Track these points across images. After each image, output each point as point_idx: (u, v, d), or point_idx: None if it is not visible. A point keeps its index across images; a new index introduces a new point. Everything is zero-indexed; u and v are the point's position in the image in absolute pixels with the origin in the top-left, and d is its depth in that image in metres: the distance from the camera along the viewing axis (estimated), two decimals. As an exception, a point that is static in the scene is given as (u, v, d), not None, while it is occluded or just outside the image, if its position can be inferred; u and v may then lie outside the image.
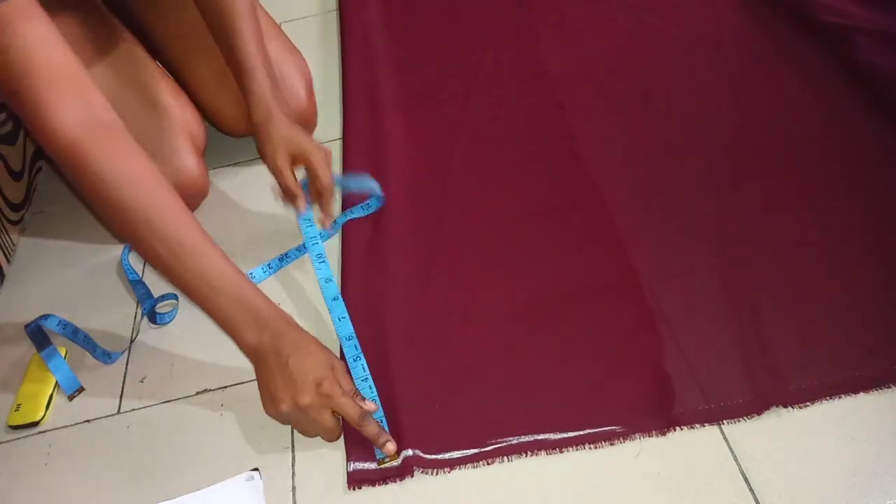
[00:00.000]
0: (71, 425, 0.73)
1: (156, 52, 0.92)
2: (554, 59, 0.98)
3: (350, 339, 0.71)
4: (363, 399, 0.63)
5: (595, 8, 1.05)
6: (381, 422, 0.64)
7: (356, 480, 0.62)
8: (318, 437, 0.65)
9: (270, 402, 0.63)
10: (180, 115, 0.86)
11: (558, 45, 1.01)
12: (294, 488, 0.64)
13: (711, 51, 0.95)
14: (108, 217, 0.63)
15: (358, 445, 0.64)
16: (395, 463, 0.62)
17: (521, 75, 0.97)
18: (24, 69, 0.59)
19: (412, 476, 0.62)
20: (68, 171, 0.62)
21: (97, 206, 0.63)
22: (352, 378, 0.65)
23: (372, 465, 0.63)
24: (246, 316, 0.63)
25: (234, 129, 0.93)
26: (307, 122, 0.94)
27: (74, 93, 0.61)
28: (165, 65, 0.93)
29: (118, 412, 0.73)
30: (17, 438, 0.73)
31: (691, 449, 0.60)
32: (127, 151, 0.63)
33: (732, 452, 0.59)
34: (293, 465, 0.65)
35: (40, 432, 0.73)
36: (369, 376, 0.68)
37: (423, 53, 1.05)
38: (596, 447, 0.61)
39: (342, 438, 0.65)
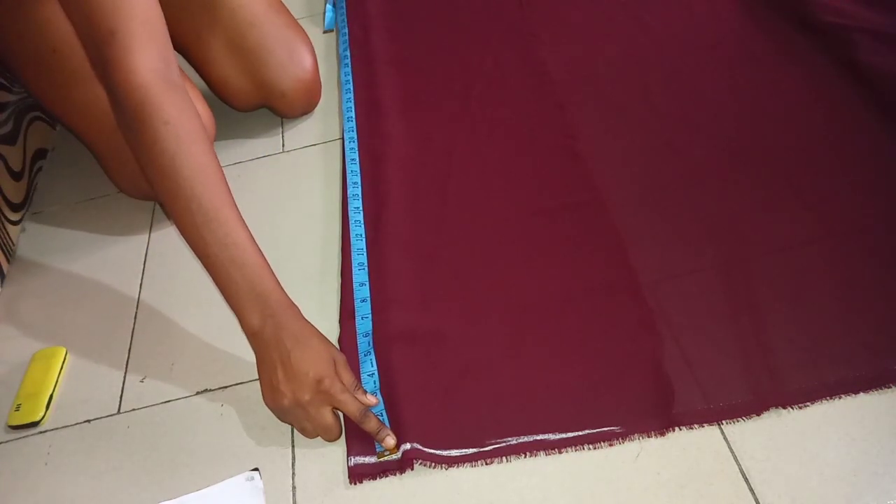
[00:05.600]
0: (71, 425, 0.73)
1: None
2: (554, 59, 0.98)
3: (366, 336, 0.72)
4: (364, 393, 0.64)
5: (595, 8, 1.05)
6: (382, 416, 0.65)
7: (357, 475, 0.62)
8: (318, 437, 0.65)
9: (271, 395, 0.63)
10: None
11: (558, 45, 1.01)
12: (294, 488, 0.64)
13: (711, 51, 0.95)
14: (155, 166, 0.63)
15: (358, 440, 0.64)
16: (395, 456, 0.63)
17: (521, 75, 0.97)
18: (130, 6, 0.63)
19: (412, 469, 0.62)
20: (132, 112, 0.63)
21: (148, 153, 0.63)
22: (352, 372, 0.65)
23: (372, 459, 0.63)
24: (255, 298, 0.63)
25: (240, 102, 0.97)
26: (313, 94, 0.99)
27: (161, 46, 0.65)
28: (172, 42, 0.94)
29: (118, 412, 0.73)
30: (17, 438, 0.73)
31: (691, 449, 0.60)
32: (191, 113, 0.65)
33: (732, 452, 0.59)
34: (293, 465, 0.65)
35: (40, 432, 0.73)
36: (376, 371, 0.69)
37: (423, 53, 1.05)
38: (595, 447, 0.61)
39: (342, 438, 0.65)
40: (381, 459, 0.63)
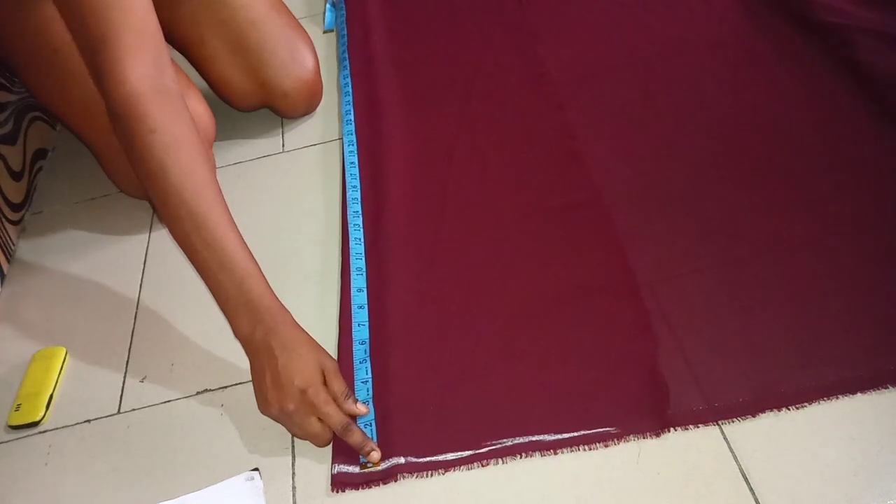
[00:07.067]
0: (71, 425, 0.73)
1: (164, 29, 0.93)
2: (554, 59, 0.98)
3: (363, 344, 0.72)
4: (355, 401, 0.64)
5: (595, 8, 1.05)
6: (371, 426, 0.65)
7: (339, 483, 0.62)
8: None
9: (261, 402, 0.63)
10: (191, 109, 0.86)
11: (558, 45, 1.01)
12: (294, 488, 0.64)
13: (711, 51, 0.95)
14: (145, 173, 0.64)
15: (343, 448, 0.64)
16: (378, 468, 0.62)
17: (521, 75, 0.97)
18: (122, 13, 0.63)
19: (396, 481, 0.62)
20: (122, 120, 0.63)
21: (139, 160, 0.63)
22: (343, 380, 0.64)
23: (356, 469, 0.63)
24: (244, 304, 0.63)
25: (242, 102, 0.97)
26: (315, 94, 1.00)
27: (154, 53, 0.65)
28: (174, 42, 0.94)
29: (118, 412, 0.73)
30: (17, 438, 0.73)
31: (691, 449, 0.60)
32: (181, 120, 0.65)
33: (732, 452, 0.59)
34: (293, 466, 0.65)
35: (40, 432, 0.73)
36: (370, 379, 0.68)
37: (423, 53, 1.05)
38: (595, 448, 0.61)
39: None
40: (364, 471, 0.62)
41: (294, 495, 0.63)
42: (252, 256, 0.65)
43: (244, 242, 0.65)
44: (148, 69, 0.64)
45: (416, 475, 0.62)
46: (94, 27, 0.63)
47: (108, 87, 0.63)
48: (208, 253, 0.63)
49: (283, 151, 0.98)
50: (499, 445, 0.62)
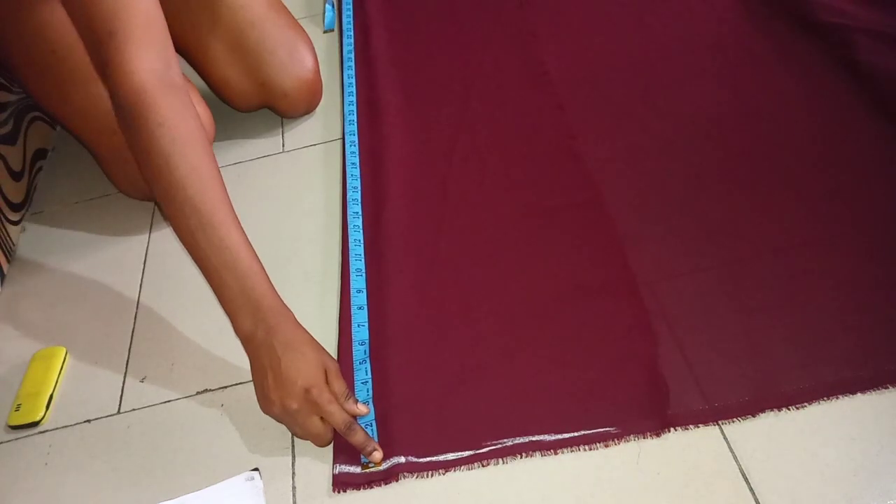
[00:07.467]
0: (71, 425, 0.73)
1: None
2: (554, 59, 0.98)
3: (363, 344, 0.72)
4: (355, 402, 0.64)
5: (595, 8, 1.05)
6: (372, 426, 0.65)
7: (341, 483, 0.62)
8: (315, 438, 0.65)
9: (263, 401, 0.63)
10: None
11: (558, 45, 1.01)
12: (294, 488, 0.64)
13: (711, 51, 0.95)
14: (150, 168, 0.63)
15: (345, 448, 0.64)
16: (380, 468, 0.62)
17: (521, 75, 0.97)
18: (129, 8, 0.63)
19: (397, 480, 0.62)
20: (128, 113, 0.63)
21: (144, 155, 0.63)
22: (344, 381, 0.64)
23: (357, 469, 0.63)
24: (246, 302, 0.63)
25: (242, 103, 0.97)
26: (315, 93, 1.00)
27: (160, 47, 0.65)
28: (173, 44, 0.94)
29: (118, 412, 0.73)
30: (17, 438, 0.73)
31: (691, 449, 0.60)
32: (188, 114, 0.64)
33: (732, 452, 0.59)
34: (293, 466, 0.65)
35: (40, 432, 0.73)
36: (370, 379, 0.68)
37: (423, 53, 1.05)
38: (595, 448, 0.61)
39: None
40: (366, 471, 0.63)
41: (294, 495, 0.63)
42: (255, 255, 0.65)
43: (248, 241, 0.64)
44: (155, 63, 0.64)
45: (416, 475, 0.62)
46: (100, 21, 0.63)
47: (115, 80, 0.63)
48: (212, 251, 0.63)
49: (283, 151, 0.98)
50: (499, 445, 0.62)
